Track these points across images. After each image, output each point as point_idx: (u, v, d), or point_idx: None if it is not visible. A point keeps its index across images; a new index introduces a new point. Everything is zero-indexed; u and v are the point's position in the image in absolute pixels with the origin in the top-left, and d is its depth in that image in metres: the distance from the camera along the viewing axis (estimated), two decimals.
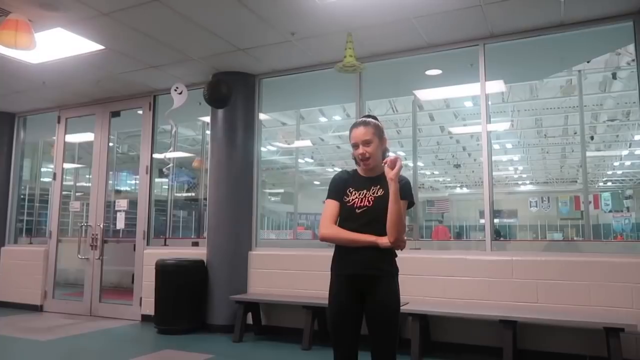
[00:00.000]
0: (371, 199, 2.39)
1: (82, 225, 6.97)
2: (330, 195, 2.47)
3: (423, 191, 22.50)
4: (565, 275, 4.35)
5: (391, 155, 2.39)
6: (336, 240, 2.42)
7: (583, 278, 4.29)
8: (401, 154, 17.51)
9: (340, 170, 2.64)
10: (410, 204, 2.42)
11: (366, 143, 2.42)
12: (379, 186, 2.40)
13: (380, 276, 2.35)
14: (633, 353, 4.02)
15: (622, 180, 22.08)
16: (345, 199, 2.43)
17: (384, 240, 2.32)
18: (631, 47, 4.63)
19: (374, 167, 2.46)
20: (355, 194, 2.42)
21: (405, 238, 2.36)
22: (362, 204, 2.39)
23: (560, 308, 4.30)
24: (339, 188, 2.47)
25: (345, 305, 2.37)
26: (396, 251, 2.42)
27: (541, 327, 4.35)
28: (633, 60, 4.62)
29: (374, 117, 2.53)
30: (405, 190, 2.37)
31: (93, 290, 6.70)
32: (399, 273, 2.43)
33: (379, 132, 2.47)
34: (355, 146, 2.45)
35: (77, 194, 9.25)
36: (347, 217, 2.42)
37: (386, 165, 2.33)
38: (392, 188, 2.30)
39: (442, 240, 11.88)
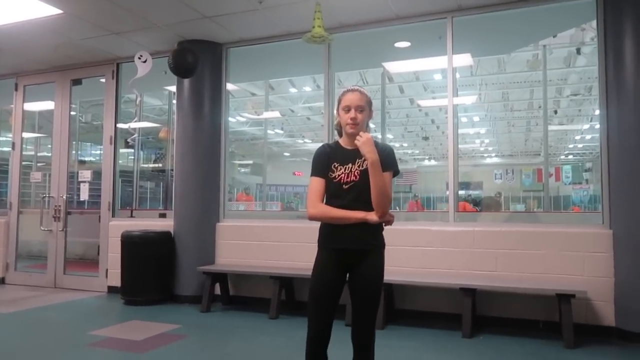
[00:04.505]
0: (357, 173, 2.36)
1: (44, 197, 6.80)
2: (314, 172, 2.42)
3: None
4: (523, 245, 4.53)
5: (362, 135, 2.34)
6: (325, 218, 2.39)
7: (540, 247, 4.48)
8: (371, 126, 17.59)
9: (321, 144, 2.57)
10: (396, 173, 2.42)
11: (359, 109, 2.40)
12: (363, 158, 2.34)
13: (369, 250, 2.36)
14: (582, 317, 4.25)
15: (583, 153, 22.82)
16: (331, 175, 2.39)
17: (373, 217, 2.30)
18: (595, 23, 4.72)
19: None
20: (340, 169, 2.39)
21: (391, 211, 2.36)
22: (348, 179, 2.36)
23: (517, 276, 4.49)
24: (323, 164, 2.42)
25: (331, 278, 2.37)
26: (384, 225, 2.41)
27: (498, 295, 4.54)
28: (596, 36, 4.72)
29: None
30: (390, 160, 2.37)
31: (57, 262, 6.60)
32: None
33: (370, 103, 2.47)
34: (346, 109, 2.40)
35: (38, 164, 8.96)
36: (334, 194, 2.38)
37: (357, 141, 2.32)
38: (369, 164, 2.29)
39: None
